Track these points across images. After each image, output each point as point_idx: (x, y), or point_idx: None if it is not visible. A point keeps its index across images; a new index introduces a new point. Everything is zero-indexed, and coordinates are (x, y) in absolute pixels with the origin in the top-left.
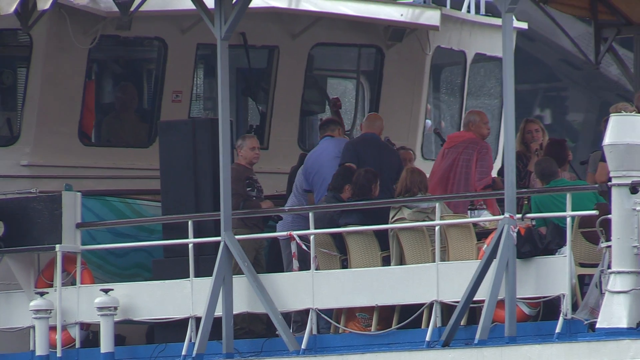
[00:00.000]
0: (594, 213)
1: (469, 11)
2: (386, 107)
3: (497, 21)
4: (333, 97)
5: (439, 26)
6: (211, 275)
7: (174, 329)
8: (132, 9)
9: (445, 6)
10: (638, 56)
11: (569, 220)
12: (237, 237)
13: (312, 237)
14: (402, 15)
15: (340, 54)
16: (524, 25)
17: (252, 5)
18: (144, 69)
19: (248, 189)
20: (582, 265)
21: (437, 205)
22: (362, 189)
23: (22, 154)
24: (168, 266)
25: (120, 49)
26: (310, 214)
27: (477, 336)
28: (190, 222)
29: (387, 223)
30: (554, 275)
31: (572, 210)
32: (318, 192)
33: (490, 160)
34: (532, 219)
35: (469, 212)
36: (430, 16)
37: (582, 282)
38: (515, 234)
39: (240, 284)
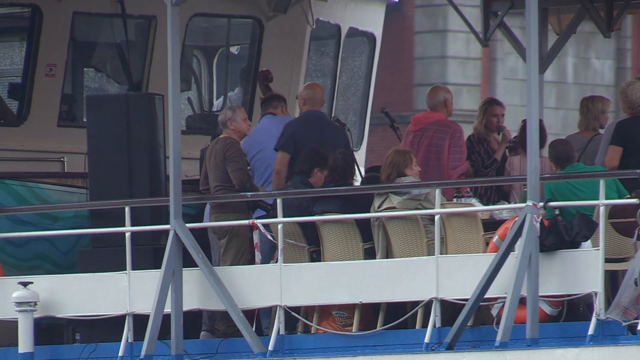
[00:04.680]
0: (632, 202)
1: None
2: None
3: None
4: (262, 69)
5: None
6: (146, 268)
7: (100, 328)
8: None
9: None
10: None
11: (602, 209)
12: (188, 225)
13: (280, 227)
14: None
15: (215, 26)
16: None
17: None
18: (15, 39)
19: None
20: (609, 260)
21: (437, 191)
22: (343, 173)
23: None
24: (96, 257)
25: None
26: (278, 200)
27: (499, 338)
28: (127, 208)
29: (369, 211)
30: (583, 270)
31: (591, 198)
32: (260, 177)
33: (464, 145)
34: (555, 208)
35: (454, 199)
36: None
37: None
38: (538, 225)
39: (193, 278)
